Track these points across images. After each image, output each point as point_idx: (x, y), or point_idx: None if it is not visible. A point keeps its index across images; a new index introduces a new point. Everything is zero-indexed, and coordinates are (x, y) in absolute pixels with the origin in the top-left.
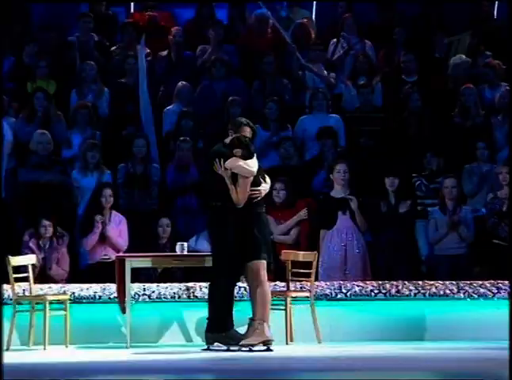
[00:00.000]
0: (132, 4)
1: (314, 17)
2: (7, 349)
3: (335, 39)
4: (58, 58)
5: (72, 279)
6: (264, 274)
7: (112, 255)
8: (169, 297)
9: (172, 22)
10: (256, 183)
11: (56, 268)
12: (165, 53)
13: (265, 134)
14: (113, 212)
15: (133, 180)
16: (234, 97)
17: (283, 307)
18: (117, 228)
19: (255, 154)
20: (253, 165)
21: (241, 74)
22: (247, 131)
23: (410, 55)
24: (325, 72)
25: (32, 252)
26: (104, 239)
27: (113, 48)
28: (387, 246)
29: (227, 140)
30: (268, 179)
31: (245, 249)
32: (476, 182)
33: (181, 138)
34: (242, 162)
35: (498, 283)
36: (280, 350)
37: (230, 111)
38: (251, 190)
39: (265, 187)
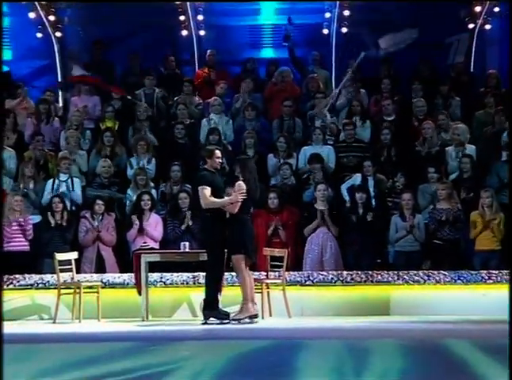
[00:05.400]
0: (197, 64)
1: (334, 73)
2: (54, 322)
3: (337, 89)
4: (123, 104)
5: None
6: (243, 264)
7: (150, 243)
8: (179, 283)
9: (224, 77)
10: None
11: (106, 233)
12: (212, 100)
13: (276, 160)
14: (152, 213)
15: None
16: (249, 130)
17: (261, 291)
18: (154, 224)
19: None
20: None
21: (264, 115)
22: (218, 152)
23: (388, 100)
24: (328, 114)
25: (88, 221)
26: (143, 232)
27: (176, 98)
28: (356, 245)
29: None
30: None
31: (228, 246)
32: (429, 198)
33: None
34: (201, 193)
35: (429, 272)
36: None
37: (246, 140)
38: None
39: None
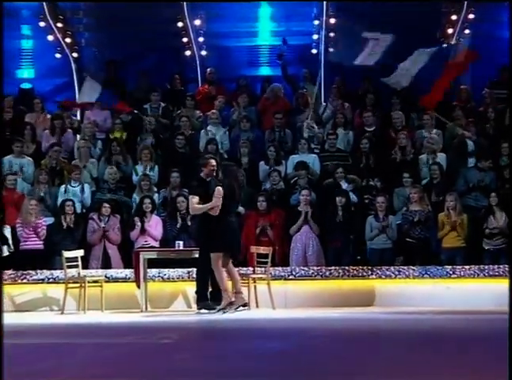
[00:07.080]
0: (200, 82)
1: (323, 88)
2: (62, 313)
3: (324, 103)
4: (131, 117)
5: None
6: (219, 262)
7: (151, 242)
8: (175, 278)
9: (223, 92)
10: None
11: (113, 233)
12: (210, 113)
13: (266, 167)
14: (153, 215)
15: (167, 202)
16: (244, 140)
17: (248, 285)
18: (154, 225)
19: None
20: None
21: (258, 126)
22: (213, 161)
23: (369, 113)
24: (315, 125)
25: (95, 222)
26: (144, 232)
27: (179, 112)
28: (337, 243)
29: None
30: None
31: (209, 245)
32: (403, 201)
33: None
34: (190, 201)
35: (399, 268)
36: (243, 313)
37: (241, 149)
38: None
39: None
